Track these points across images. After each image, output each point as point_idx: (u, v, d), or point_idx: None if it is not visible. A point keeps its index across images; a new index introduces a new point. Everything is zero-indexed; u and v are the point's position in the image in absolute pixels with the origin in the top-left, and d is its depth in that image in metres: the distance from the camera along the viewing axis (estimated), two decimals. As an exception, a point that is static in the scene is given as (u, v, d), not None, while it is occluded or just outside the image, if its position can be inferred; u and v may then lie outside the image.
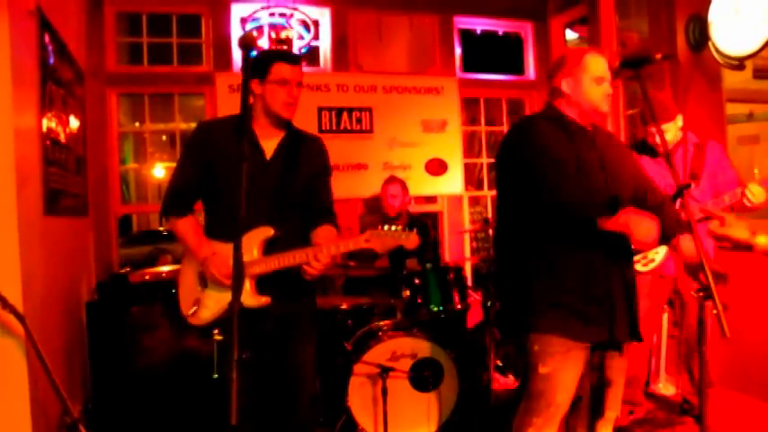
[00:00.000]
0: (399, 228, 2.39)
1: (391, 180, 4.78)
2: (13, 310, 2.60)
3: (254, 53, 2.64)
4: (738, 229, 2.54)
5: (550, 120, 2.48)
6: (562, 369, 2.36)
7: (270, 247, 2.51)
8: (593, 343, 2.40)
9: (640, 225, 2.11)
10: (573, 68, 2.43)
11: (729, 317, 1.89)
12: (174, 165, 2.85)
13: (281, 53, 2.61)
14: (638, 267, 3.55)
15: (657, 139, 3.51)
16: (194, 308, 2.61)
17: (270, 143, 2.60)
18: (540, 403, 2.39)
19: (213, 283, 2.53)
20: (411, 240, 2.38)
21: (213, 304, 2.56)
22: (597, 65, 2.41)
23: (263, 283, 2.52)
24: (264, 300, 2.50)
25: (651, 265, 3.55)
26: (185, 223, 2.62)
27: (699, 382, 2.19)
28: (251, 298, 2.49)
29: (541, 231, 2.38)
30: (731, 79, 4.43)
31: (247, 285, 2.49)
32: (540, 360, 2.37)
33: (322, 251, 2.42)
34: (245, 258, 2.45)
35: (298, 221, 2.63)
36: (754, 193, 3.15)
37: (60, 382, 2.71)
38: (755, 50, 4.00)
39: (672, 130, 3.50)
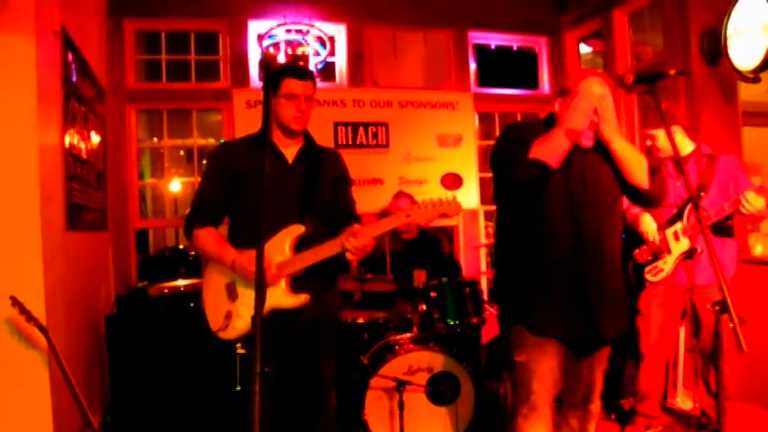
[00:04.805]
0: (440, 197, 2.39)
1: (400, 194, 4.78)
2: (36, 323, 2.65)
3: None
4: None
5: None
6: (535, 359, 2.44)
7: (300, 247, 2.50)
8: (558, 337, 2.44)
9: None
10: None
11: (746, 330, 1.89)
12: (191, 180, 2.90)
13: (291, 69, 2.64)
14: (648, 277, 3.55)
15: (657, 143, 3.53)
16: (226, 322, 2.56)
17: (290, 150, 2.66)
18: (522, 391, 2.48)
19: (247, 283, 2.46)
20: (453, 208, 2.36)
21: (248, 312, 2.55)
22: None
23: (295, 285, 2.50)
24: (304, 297, 2.47)
25: (660, 275, 3.53)
26: (207, 232, 2.63)
27: (717, 397, 2.18)
28: (288, 298, 2.46)
29: (508, 229, 2.53)
30: (747, 92, 4.43)
31: (282, 285, 2.46)
32: (516, 350, 2.50)
33: (364, 232, 2.39)
34: (278, 259, 2.47)
35: (324, 226, 2.62)
36: (750, 201, 3.18)
37: (81, 394, 2.75)
38: (757, 65, 4.04)
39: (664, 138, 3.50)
